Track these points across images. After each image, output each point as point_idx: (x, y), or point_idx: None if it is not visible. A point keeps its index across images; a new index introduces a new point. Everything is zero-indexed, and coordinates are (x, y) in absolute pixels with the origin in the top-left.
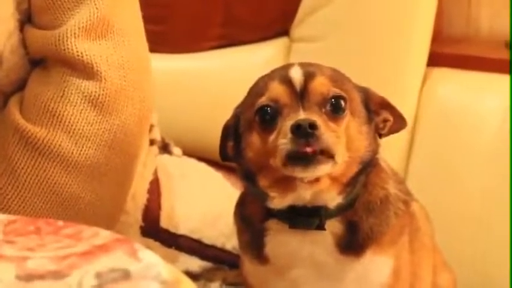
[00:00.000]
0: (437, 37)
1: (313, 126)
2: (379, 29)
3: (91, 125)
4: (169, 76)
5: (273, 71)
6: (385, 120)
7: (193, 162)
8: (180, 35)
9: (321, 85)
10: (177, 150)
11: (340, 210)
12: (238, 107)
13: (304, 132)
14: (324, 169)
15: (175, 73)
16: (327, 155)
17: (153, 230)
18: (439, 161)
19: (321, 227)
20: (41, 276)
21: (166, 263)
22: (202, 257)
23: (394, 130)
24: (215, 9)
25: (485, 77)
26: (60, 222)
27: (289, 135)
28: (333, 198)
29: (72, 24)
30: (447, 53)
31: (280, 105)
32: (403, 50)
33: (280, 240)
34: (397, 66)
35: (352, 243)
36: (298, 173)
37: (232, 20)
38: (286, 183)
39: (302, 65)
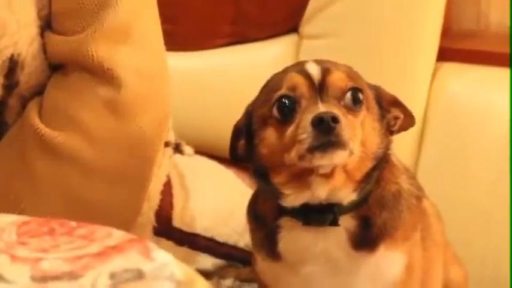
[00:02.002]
0: (447, 32)
1: (335, 119)
2: (388, 25)
3: (110, 131)
4: (179, 74)
5: (287, 68)
6: (396, 118)
7: (204, 160)
8: (190, 33)
9: (338, 79)
10: (188, 150)
11: (354, 206)
12: (250, 105)
13: (326, 126)
14: (341, 156)
15: (186, 71)
16: (345, 146)
17: (166, 229)
18: (449, 156)
19: (334, 223)
20: (56, 277)
21: (180, 262)
22: (215, 254)
23: (403, 128)
24: (225, 7)
25: (495, 72)
26: (74, 223)
27: (310, 129)
28: (348, 196)
29: (92, 30)
30: (457, 48)
31: (298, 96)
32: (412, 45)
33: (293, 237)
34: (406, 61)
35: (366, 239)
36: (316, 160)
37: (242, 18)
38: (301, 180)
39: (316, 61)
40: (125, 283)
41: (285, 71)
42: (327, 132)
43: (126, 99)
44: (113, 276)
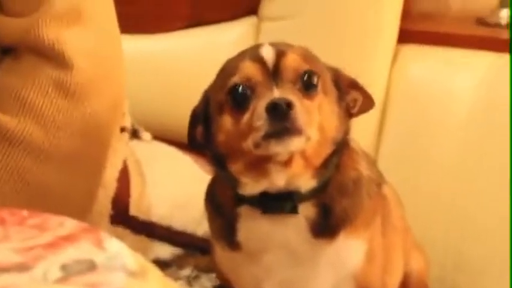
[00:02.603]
0: (407, 14)
1: (289, 105)
2: (348, 6)
3: (62, 114)
4: (136, 57)
5: (242, 52)
6: (355, 100)
7: (162, 146)
8: (147, 15)
9: (293, 61)
10: (146, 136)
11: (313, 194)
12: (207, 91)
13: (280, 112)
14: (297, 142)
15: (143, 54)
16: (301, 132)
17: (123, 217)
18: (410, 139)
19: (294, 211)
20: (5, 269)
21: (134, 251)
22: (173, 243)
23: (362, 110)
24: None
25: (456, 54)
26: (25, 212)
27: (265, 115)
28: (307, 183)
29: (43, 11)
30: (417, 29)
31: (252, 83)
32: (373, 27)
33: (252, 226)
34: (367, 43)
35: (326, 227)
36: (272, 148)
37: (200, 0)
38: (259, 168)
39: (272, 44)
40: (77, 275)
41: (240, 55)
42: (281, 119)
43: (77, 81)
44: (64, 267)
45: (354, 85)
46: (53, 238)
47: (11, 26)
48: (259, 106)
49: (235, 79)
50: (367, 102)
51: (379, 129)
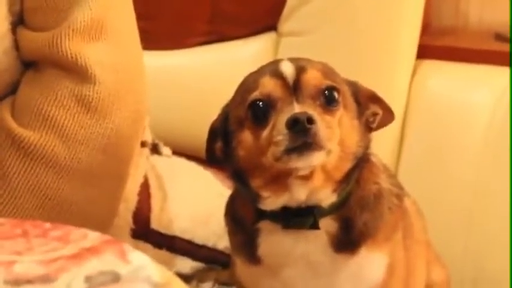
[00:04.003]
0: (426, 29)
1: (310, 120)
2: (367, 22)
3: (84, 129)
4: (156, 73)
5: (262, 67)
6: (375, 114)
7: (182, 161)
8: (167, 31)
9: (313, 78)
10: (166, 150)
11: (334, 208)
12: (226, 106)
13: (301, 127)
14: (318, 157)
15: (163, 70)
16: (322, 146)
17: (144, 231)
18: (429, 154)
19: (315, 227)
20: (29, 281)
21: (157, 264)
22: (194, 257)
23: (383, 124)
24: (202, 5)
25: (474, 69)
26: (48, 225)
27: (285, 131)
28: (327, 197)
29: (65, 26)
30: (436, 45)
31: (273, 99)
32: (392, 42)
33: (273, 241)
34: (386, 59)
35: (347, 241)
36: (293, 162)
37: (219, 16)
38: (280, 183)
39: (292, 59)
40: (101, 286)
41: (260, 71)
42: (302, 134)
43: (99, 96)
44: (88, 279)
45: (374, 99)
46: (76, 250)
47: (33, 40)
48: (280, 121)
49: (256, 95)
50: (387, 116)
51: (399, 143)
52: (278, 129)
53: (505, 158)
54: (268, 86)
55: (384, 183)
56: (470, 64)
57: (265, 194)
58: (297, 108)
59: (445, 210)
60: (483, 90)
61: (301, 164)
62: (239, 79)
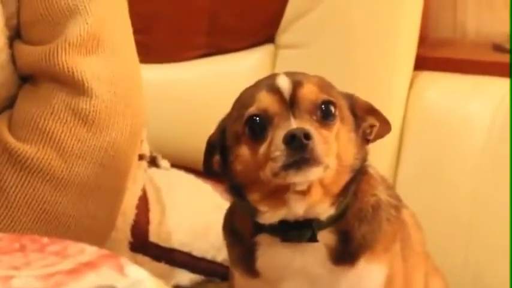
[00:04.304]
0: (423, 41)
1: (307, 136)
2: (364, 33)
3: (81, 143)
4: (154, 86)
5: (258, 82)
6: (372, 126)
7: (181, 174)
8: (165, 44)
9: (309, 92)
10: (164, 163)
11: (332, 221)
12: (223, 120)
13: (298, 143)
14: (316, 172)
15: (161, 83)
16: (319, 162)
17: (142, 245)
18: (428, 165)
19: (313, 239)
20: None
21: (155, 277)
22: (193, 270)
23: (380, 135)
24: (200, 18)
25: (472, 80)
26: (46, 239)
27: (283, 146)
28: (325, 211)
29: (62, 39)
30: (434, 56)
31: (269, 114)
32: (389, 54)
33: (271, 254)
34: (384, 70)
35: (345, 253)
36: (291, 178)
37: (217, 28)
38: (277, 198)
39: (288, 74)
40: None
41: (256, 86)
42: (299, 149)
43: (96, 110)
44: None
45: (371, 111)
46: (74, 265)
47: (30, 54)
48: (277, 137)
49: (252, 110)
50: (384, 127)
51: (397, 154)
52: (275, 145)
53: (503, 169)
54: (265, 101)
55: (382, 195)
56: (468, 75)
57: (262, 208)
58: (293, 124)
59: (444, 221)
60: (481, 101)
61: (299, 179)
62: (237, 91)
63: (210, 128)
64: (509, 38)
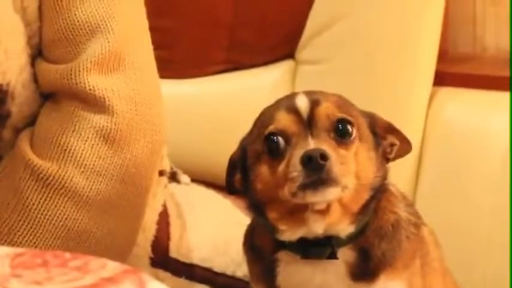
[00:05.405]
0: (443, 56)
1: (324, 156)
2: (384, 49)
3: (102, 160)
4: (174, 102)
5: (277, 101)
6: (392, 145)
7: (201, 189)
8: (185, 59)
9: (327, 110)
10: (185, 178)
11: (352, 238)
12: (244, 139)
13: (315, 163)
14: (333, 193)
15: (181, 98)
16: (337, 182)
17: (163, 260)
18: (447, 181)
19: (333, 256)
20: None
21: None
22: (213, 285)
23: (400, 154)
24: (220, 34)
25: (492, 96)
26: (68, 254)
27: (300, 167)
28: (345, 229)
29: (83, 58)
30: (453, 72)
31: (288, 134)
32: (409, 70)
33: (291, 271)
34: (403, 86)
35: (365, 270)
36: (309, 198)
37: (237, 44)
38: (297, 216)
39: (307, 93)
40: None
41: (276, 105)
42: (316, 170)
43: (118, 128)
44: None
45: (391, 130)
46: (95, 280)
47: (52, 72)
48: (294, 157)
49: (271, 129)
50: (405, 147)
51: (416, 170)
52: (293, 165)
53: None
54: (283, 121)
55: (402, 212)
56: (488, 91)
57: (282, 227)
58: (311, 143)
59: (463, 236)
60: (501, 117)
61: (316, 199)
62: (257, 107)
63: (230, 143)
64: (509, 56)
